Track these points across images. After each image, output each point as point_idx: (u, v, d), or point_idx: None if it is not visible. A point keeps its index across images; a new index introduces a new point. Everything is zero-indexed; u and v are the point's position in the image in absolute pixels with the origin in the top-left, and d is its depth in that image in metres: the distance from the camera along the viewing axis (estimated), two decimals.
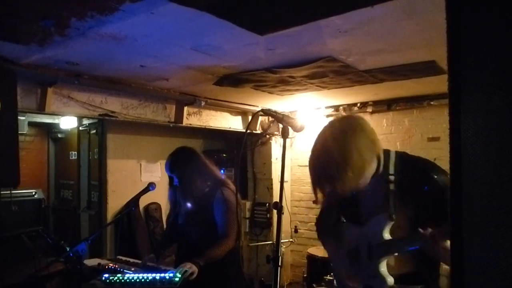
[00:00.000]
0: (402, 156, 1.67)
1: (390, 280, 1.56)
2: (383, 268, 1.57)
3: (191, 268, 2.47)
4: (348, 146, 1.53)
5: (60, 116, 5.13)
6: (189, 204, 2.81)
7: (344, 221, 1.83)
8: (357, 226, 1.73)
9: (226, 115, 5.42)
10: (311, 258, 4.60)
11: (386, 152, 1.65)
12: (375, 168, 1.60)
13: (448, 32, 0.73)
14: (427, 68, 3.43)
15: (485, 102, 0.67)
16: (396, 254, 1.58)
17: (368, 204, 1.70)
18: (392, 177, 1.57)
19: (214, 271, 2.63)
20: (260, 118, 5.71)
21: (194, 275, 2.47)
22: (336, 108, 5.61)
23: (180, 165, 2.80)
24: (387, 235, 1.58)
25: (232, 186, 2.86)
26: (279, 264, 1.27)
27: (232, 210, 2.71)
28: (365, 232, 1.67)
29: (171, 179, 2.86)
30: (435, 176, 1.52)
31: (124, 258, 3.07)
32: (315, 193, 1.60)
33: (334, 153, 1.54)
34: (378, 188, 1.63)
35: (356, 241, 1.70)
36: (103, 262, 2.90)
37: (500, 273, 0.65)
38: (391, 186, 1.50)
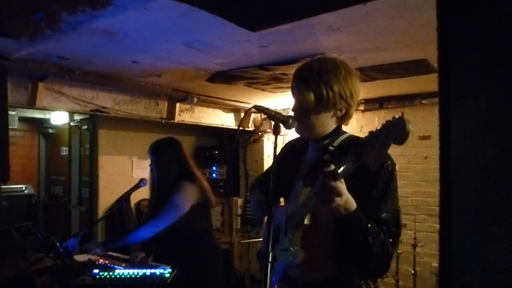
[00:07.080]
0: (351, 136, 1.59)
1: (301, 255, 1.45)
2: (296, 242, 1.46)
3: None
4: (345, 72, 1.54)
5: (51, 111, 5.09)
6: (156, 191, 2.86)
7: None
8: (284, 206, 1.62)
9: (219, 112, 5.41)
10: None
11: (342, 130, 1.60)
12: (327, 131, 1.55)
13: (438, 31, 0.74)
14: (419, 67, 3.45)
15: (474, 101, 0.68)
16: (306, 222, 1.44)
17: (300, 175, 1.58)
18: (331, 148, 1.49)
19: (196, 268, 2.64)
20: (253, 115, 5.70)
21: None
22: None
23: (161, 149, 2.89)
24: (301, 205, 1.47)
25: (203, 184, 2.88)
26: (269, 260, 1.27)
27: (176, 204, 2.76)
28: (287, 207, 1.57)
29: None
30: (369, 154, 1.32)
31: (114, 254, 3.06)
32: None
33: (329, 62, 1.56)
34: (315, 156, 1.56)
35: (280, 218, 1.57)
36: (93, 258, 2.89)
37: (488, 265, 0.67)
38: (326, 156, 1.38)
